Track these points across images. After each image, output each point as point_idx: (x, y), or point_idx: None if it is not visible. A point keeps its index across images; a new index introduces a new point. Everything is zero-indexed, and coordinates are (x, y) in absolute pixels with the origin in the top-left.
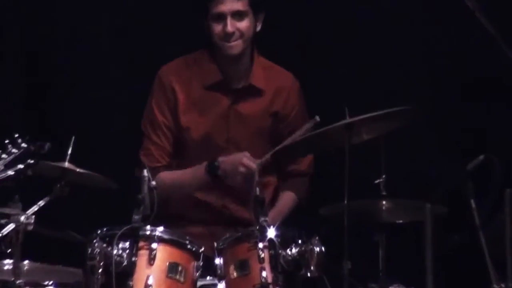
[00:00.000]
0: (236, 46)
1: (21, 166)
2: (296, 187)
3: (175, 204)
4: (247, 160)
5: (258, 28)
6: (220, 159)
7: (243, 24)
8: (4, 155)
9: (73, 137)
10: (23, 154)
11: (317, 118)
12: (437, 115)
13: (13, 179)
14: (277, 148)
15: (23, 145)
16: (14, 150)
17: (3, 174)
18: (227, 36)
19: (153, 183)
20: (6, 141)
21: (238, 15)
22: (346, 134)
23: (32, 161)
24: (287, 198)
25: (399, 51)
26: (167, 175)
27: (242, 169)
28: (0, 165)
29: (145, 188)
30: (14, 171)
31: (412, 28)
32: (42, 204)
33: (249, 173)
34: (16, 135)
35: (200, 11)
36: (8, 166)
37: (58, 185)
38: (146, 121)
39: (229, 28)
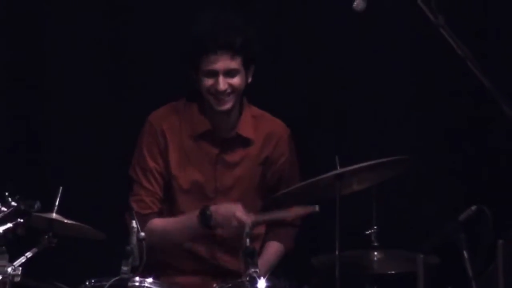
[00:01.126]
0: (227, 101)
1: (10, 225)
2: (284, 237)
3: (164, 253)
4: (240, 214)
5: (249, 80)
6: (213, 208)
7: (235, 81)
8: None
9: (60, 188)
10: (12, 212)
11: (317, 208)
12: (428, 164)
13: (1, 238)
14: (275, 215)
15: (13, 203)
16: (3, 209)
17: None
18: (219, 93)
19: (142, 234)
20: None
21: (230, 73)
22: (337, 185)
23: (21, 220)
24: (274, 249)
25: (389, 98)
26: (158, 223)
27: (235, 222)
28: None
29: (134, 239)
30: (3, 230)
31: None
32: (30, 255)
33: (241, 226)
34: (6, 193)
35: (188, 64)
36: None
37: (46, 236)
38: (137, 166)
39: (221, 86)
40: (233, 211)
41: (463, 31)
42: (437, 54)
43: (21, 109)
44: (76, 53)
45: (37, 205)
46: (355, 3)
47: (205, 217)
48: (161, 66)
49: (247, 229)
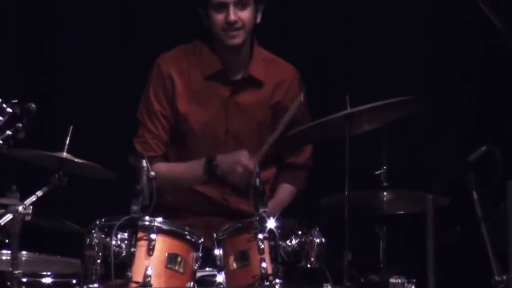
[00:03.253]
0: (238, 36)
1: (9, 132)
2: (295, 179)
3: (174, 196)
4: (245, 160)
5: (259, 20)
6: (219, 158)
7: (245, 14)
8: None
9: (71, 127)
10: (10, 118)
11: (302, 97)
12: (439, 105)
13: (2, 145)
14: (273, 137)
15: (9, 110)
16: (0, 118)
17: None
18: (230, 25)
19: (152, 173)
20: None
21: (240, 4)
22: (347, 125)
23: (20, 125)
24: (286, 190)
25: (398, 41)
26: (163, 167)
27: (240, 169)
28: None
29: (144, 178)
30: (4, 137)
31: (411, 18)
32: (40, 194)
33: (247, 172)
34: (0, 100)
35: (198, 2)
36: None
37: (56, 176)
38: (143, 109)
39: (232, 17)
40: (239, 158)
41: None
42: None
43: (34, 45)
44: None
45: (33, 106)
46: None
47: (211, 167)
48: (174, 6)
49: (257, 169)
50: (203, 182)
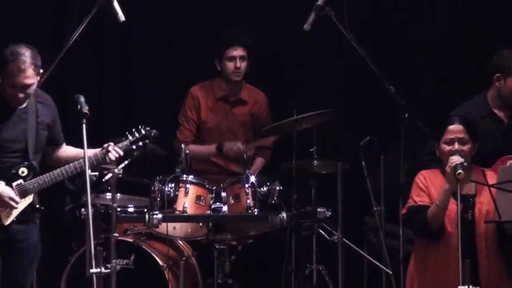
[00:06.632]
0: (239, 76)
1: (134, 146)
2: (264, 155)
3: (198, 164)
4: (239, 145)
5: (247, 67)
6: (224, 143)
7: (244, 64)
8: (125, 140)
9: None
10: (140, 138)
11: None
12: (346, 113)
13: (131, 154)
14: (255, 143)
15: (142, 131)
16: (136, 134)
17: (125, 147)
18: (236, 69)
19: (187, 151)
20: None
21: (242, 58)
22: (293, 126)
23: (142, 143)
24: (259, 161)
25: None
26: (192, 147)
27: (236, 149)
28: (126, 144)
29: (182, 154)
30: (135, 146)
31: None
32: (126, 162)
33: (240, 152)
34: (140, 126)
35: (215, 56)
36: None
37: (138, 152)
38: (182, 116)
39: (238, 65)
40: (236, 144)
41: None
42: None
43: None
44: None
45: (154, 132)
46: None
47: (220, 147)
48: (198, 59)
49: (244, 151)
50: (214, 156)
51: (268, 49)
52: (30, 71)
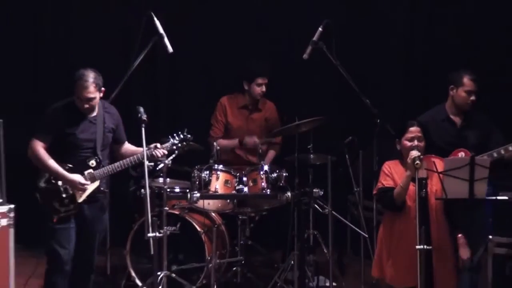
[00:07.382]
0: (262, 95)
1: (175, 147)
2: (275, 149)
3: (226, 155)
4: (256, 140)
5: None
6: (245, 138)
7: (265, 88)
8: (167, 142)
9: (185, 129)
10: (179, 141)
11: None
12: (334, 119)
13: (171, 154)
14: (267, 140)
15: (181, 135)
16: (176, 138)
17: (167, 148)
18: (262, 92)
19: (218, 147)
20: (174, 134)
21: (266, 84)
22: (296, 129)
23: (181, 144)
24: (271, 153)
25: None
26: (221, 141)
27: (252, 143)
28: (168, 145)
29: (214, 149)
30: (175, 147)
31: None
32: (173, 156)
33: (255, 144)
34: (180, 132)
35: (246, 79)
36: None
37: (180, 149)
38: (213, 119)
39: (264, 89)
40: (254, 139)
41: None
42: None
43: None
44: None
45: (189, 137)
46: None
47: (242, 142)
48: (224, 77)
49: (259, 145)
50: (238, 149)
51: (278, 73)
52: (91, 88)
